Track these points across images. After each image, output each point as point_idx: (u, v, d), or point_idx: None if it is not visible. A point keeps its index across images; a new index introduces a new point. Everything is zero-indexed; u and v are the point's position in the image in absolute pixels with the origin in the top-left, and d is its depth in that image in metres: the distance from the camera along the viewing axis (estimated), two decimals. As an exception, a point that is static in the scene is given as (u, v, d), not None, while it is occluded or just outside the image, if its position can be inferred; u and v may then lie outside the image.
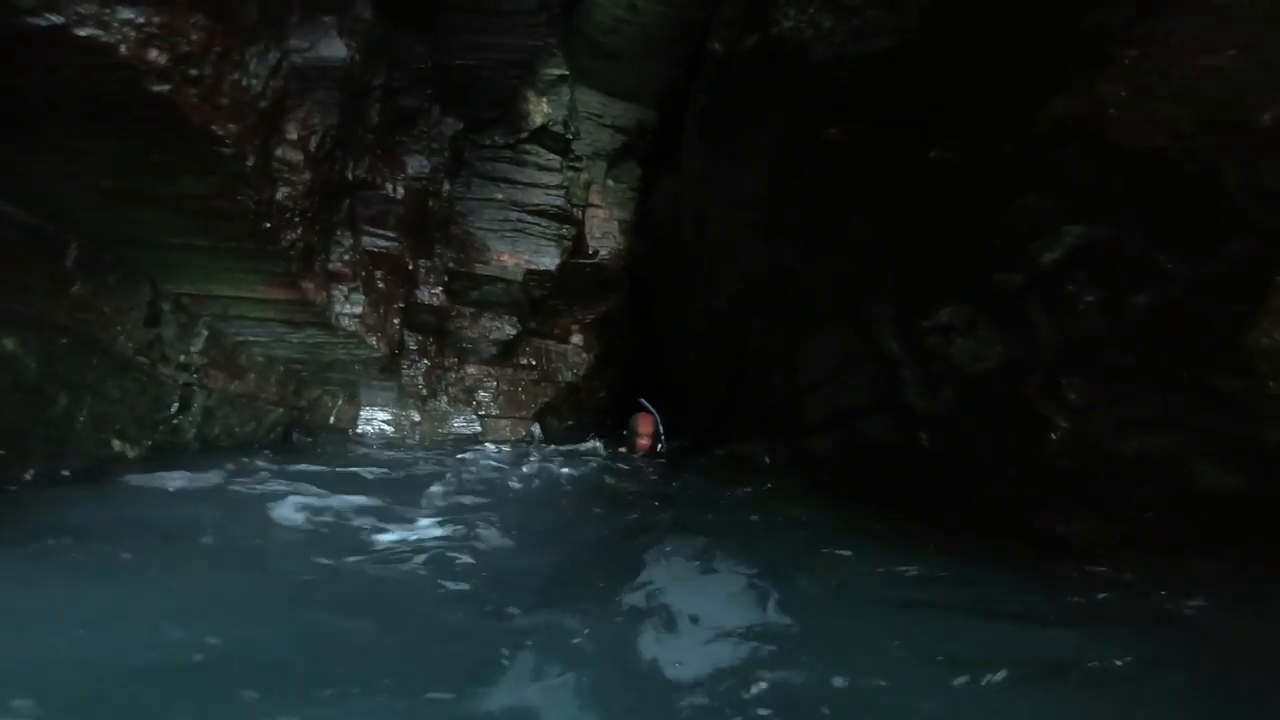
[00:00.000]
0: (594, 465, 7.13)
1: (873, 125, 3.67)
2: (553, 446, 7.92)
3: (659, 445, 7.78)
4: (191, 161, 3.72)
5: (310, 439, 6.58)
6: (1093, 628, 2.53)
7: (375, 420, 7.36)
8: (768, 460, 6.02)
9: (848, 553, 3.39)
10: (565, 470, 6.55)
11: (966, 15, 3.07)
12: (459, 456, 6.60)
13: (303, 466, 5.14)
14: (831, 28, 3.61)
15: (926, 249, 3.48)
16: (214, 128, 3.61)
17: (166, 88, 3.31)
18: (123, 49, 3.08)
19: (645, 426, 7.77)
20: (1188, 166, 2.44)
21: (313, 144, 4.43)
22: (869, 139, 3.70)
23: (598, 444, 8.23)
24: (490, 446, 7.48)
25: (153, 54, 3.19)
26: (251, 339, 5.43)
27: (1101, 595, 2.82)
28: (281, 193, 4.24)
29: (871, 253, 3.87)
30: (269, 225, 4.19)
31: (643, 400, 8.19)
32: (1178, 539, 2.87)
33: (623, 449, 8.02)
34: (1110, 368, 2.80)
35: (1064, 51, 2.71)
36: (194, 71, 3.44)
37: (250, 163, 3.85)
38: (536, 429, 8.28)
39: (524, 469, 6.36)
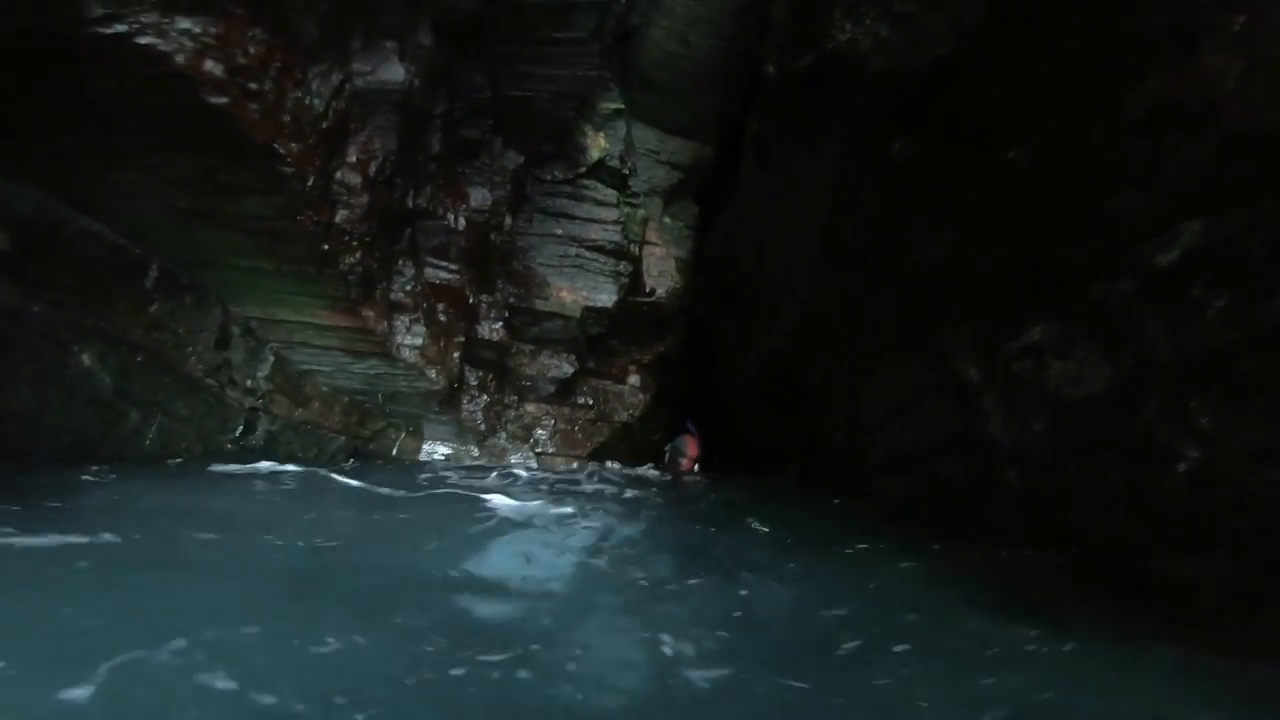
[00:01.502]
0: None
1: (938, 136, 3.53)
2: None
3: (697, 468, 7.64)
4: (256, 180, 3.85)
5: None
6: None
7: (437, 453, 7.38)
8: (835, 502, 5.76)
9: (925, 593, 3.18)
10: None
11: (1031, 7, 2.93)
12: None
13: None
14: (889, 36, 3.52)
15: (1008, 264, 3.24)
16: (276, 145, 3.75)
17: (225, 100, 3.45)
18: (179, 58, 3.22)
19: (690, 448, 7.66)
20: None
21: (372, 168, 4.56)
22: (935, 151, 3.56)
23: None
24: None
25: (208, 64, 3.33)
26: (316, 368, 5.54)
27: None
28: (340, 215, 4.35)
29: (943, 274, 3.66)
30: (327, 247, 4.29)
31: (689, 423, 8.05)
32: None
33: (663, 470, 7.89)
34: (1245, 385, 2.41)
35: (1153, 24, 2.48)
36: (253, 85, 3.58)
37: (310, 183, 3.98)
38: None
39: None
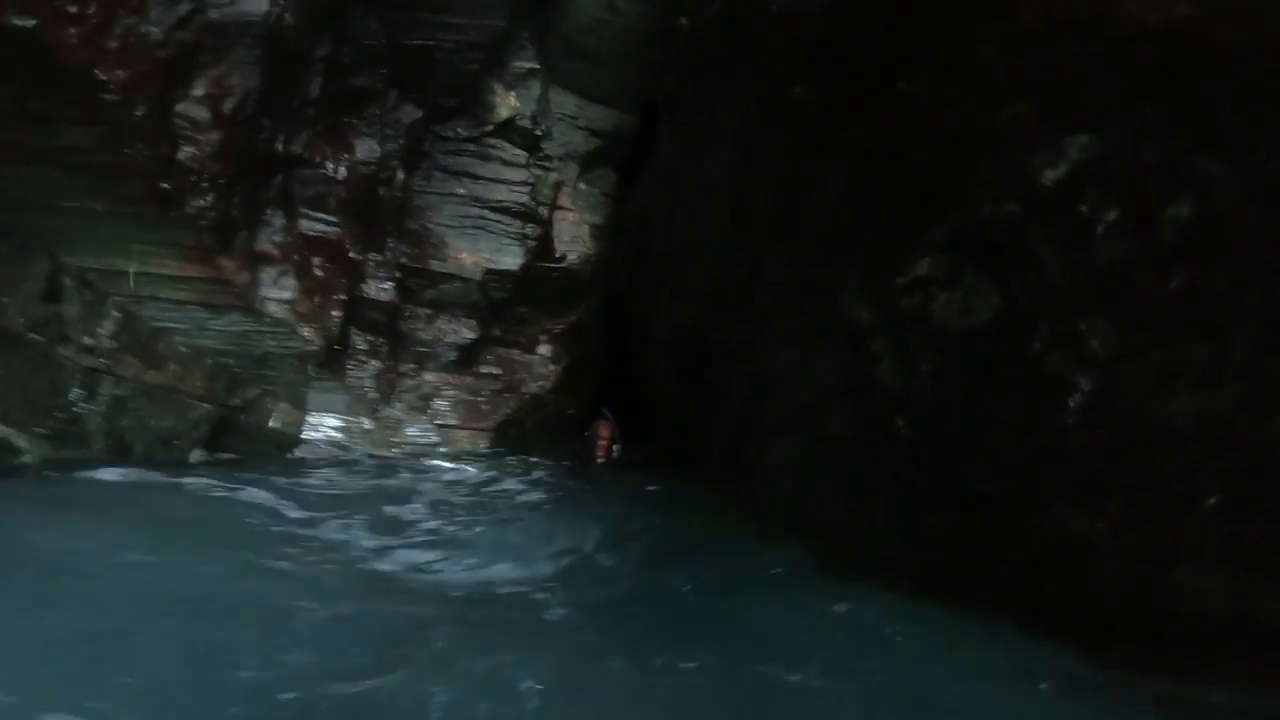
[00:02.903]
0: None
1: (836, 78, 3.31)
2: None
3: (615, 451, 7.48)
4: (73, 109, 3.37)
5: (246, 443, 6.16)
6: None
7: (323, 426, 6.90)
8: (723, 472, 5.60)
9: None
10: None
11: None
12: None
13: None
14: (793, -24, 3.27)
15: (897, 199, 3.02)
16: (96, 71, 3.27)
17: (33, 22, 2.98)
18: None
19: (604, 431, 7.50)
20: (1217, 39, 2.02)
21: (227, 105, 4.09)
22: (833, 94, 3.33)
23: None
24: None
25: None
26: (170, 325, 5.02)
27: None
28: (184, 152, 3.88)
29: (836, 218, 3.46)
30: (168, 186, 3.83)
31: (604, 409, 7.87)
32: (1258, 541, 2.20)
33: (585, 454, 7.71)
34: (1144, 304, 2.23)
35: None
36: (73, 8, 3.12)
37: (139, 112, 3.50)
38: None
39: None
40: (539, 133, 7.42)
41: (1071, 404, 2.41)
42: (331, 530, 4.01)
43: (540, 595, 3.24)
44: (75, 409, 4.63)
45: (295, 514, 4.12)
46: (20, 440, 4.35)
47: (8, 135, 3.48)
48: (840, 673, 2.42)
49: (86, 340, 4.60)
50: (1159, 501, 2.33)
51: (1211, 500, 2.21)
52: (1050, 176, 2.38)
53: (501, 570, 3.67)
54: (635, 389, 8.60)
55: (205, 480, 4.53)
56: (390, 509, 4.61)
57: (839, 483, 3.82)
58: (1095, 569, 2.51)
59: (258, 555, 3.22)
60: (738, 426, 5.18)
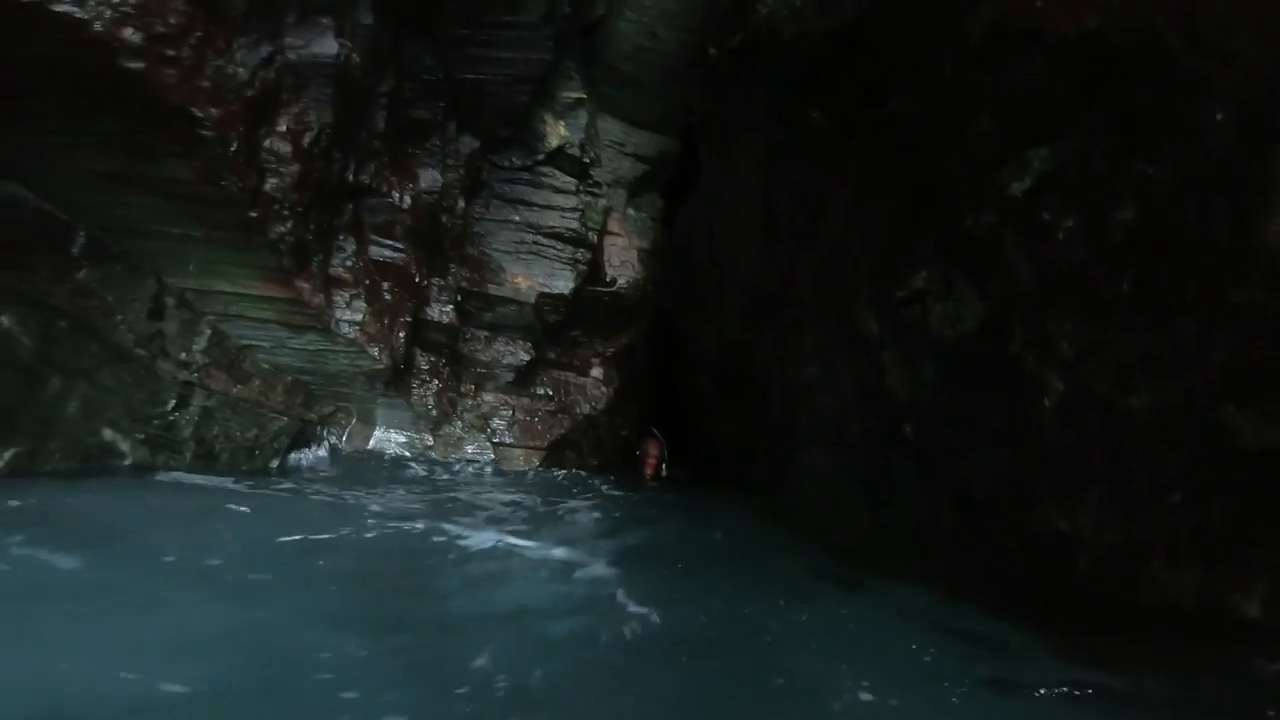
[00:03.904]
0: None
1: (847, 101, 3.55)
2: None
3: (663, 468, 7.73)
4: (174, 143, 3.87)
5: (320, 454, 6.61)
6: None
7: (390, 441, 7.32)
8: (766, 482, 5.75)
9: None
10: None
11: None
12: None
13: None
14: (800, 5, 3.54)
15: (895, 215, 3.25)
16: (193, 109, 3.75)
17: (141, 65, 3.48)
18: (97, 26, 3.28)
19: (653, 449, 7.73)
20: (1126, 43, 2.19)
21: (306, 139, 4.56)
22: (844, 116, 3.58)
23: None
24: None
25: (127, 32, 3.38)
26: (255, 342, 5.51)
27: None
28: (269, 183, 4.35)
29: (847, 234, 3.69)
30: (255, 214, 4.29)
31: (652, 427, 8.13)
32: (1220, 532, 2.25)
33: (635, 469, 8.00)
34: (1101, 301, 2.37)
35: None
36: (171, 52, 3.61)
37: (234, 148, 3.97)
38: None
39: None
40: (587, 160, 7.81)
41: (1047, 403, 2.56)
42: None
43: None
44: (170, 418, 5.12)
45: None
46: (124, 445, 4.85)
47: (119, 165, 3.99)
48: (823, 665, 2.59)
49: (182, 355, 5.10)
50: (1130, 497, 2.45)
51: (1176, 494, 2.32)
52: (1018, 188, 2.56)
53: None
54: (683, 408, 8.82)
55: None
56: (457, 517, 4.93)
57: (860, 488, 3.99)
58: (1078, 566, 2.63)
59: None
60: (774, 438, 5.37)
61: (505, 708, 2.07)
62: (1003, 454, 2.98)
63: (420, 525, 4.19)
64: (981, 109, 2.68)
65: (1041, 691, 2.23)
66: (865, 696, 2.13)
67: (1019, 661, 2.53)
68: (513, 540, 4.06)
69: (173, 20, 3.53)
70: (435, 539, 3.95)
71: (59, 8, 3.17)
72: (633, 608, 3.10)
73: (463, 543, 3.91)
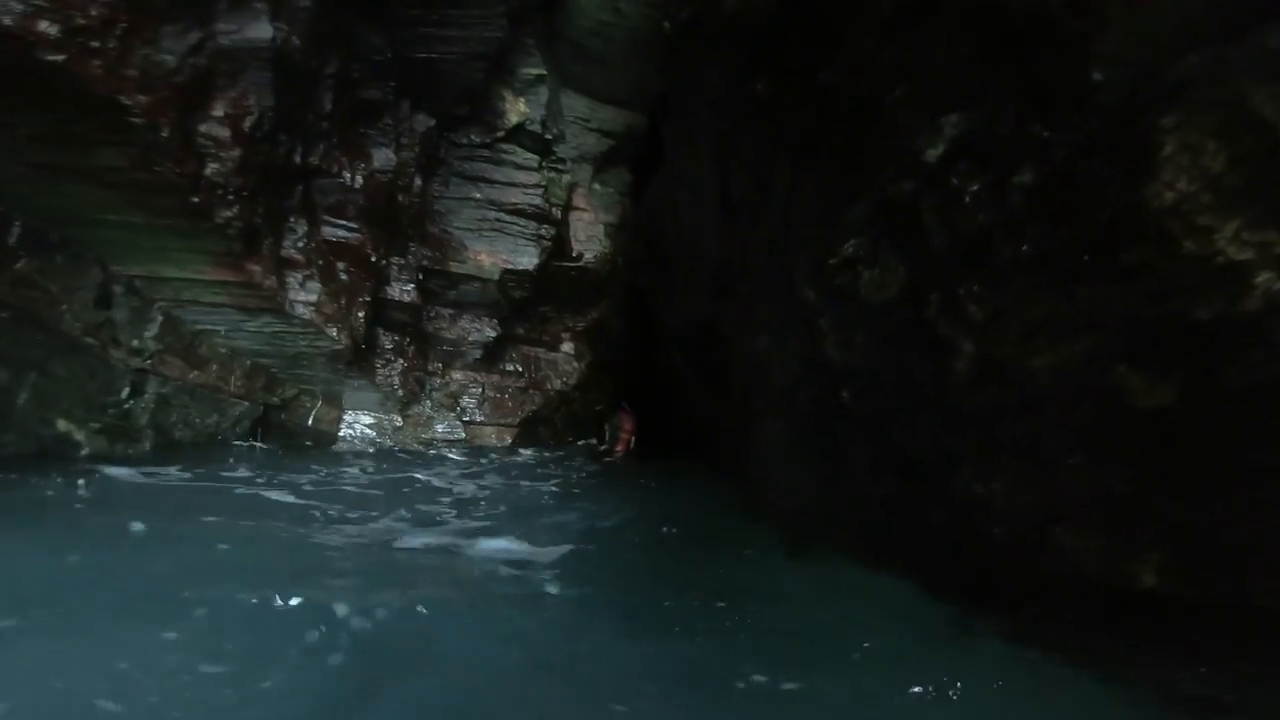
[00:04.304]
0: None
1: (787, 75, 3.53)
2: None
3: (633, 442, 7.82)
4: (106, 132, 3.82)
5: (287, 438, 6.62)
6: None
7: (358, 423, 7.34)
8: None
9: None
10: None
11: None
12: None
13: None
14: (741, -24, 3.51)
15: (828, 185, 3.26)
16: (121, 97, 3.71)
17: (62, 57, 3.44)
18: (5, 20, 3.24)
19: (625, 424, 7.86)
20: (1014, 10, 2.18)
21: (246, 123, 4.52)
22: (786, 90, 3.56)
23: None
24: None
25: (43, 25, 3.34)
26: (209, 327, 5.50)
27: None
28: (209, 168, 4.32)
29: (789, 206, 3.70)
30: (197, 200, 4.26)
31: (623, 403, 8.17)
32: (1118, 498, 2.29)
33: (604, 448, 8.03)
34: (1005, 265, 2.39)
35: None
36: (95, 43, 3.56)
37: (165, 134, 3.93)
38: None
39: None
40: (549, 136, 7.76)
41: (959, 367, 2.59)
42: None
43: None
44: (126, 406, 5.13)
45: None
46: (79, 435, 4.86)
47: (54, 157, 3.95)
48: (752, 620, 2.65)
49: (134, 343, 5.09)
50: (1035, 462, 2.50)
51: (1076, 458, 2.36)
52: (932, 154, 2.57)
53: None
54: (657, 383, 8.85)
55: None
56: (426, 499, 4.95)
57: (810, 457, 4.04)
58: (990, 531, 2.68)
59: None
60: (737, 412, 5.40)
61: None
62: (929, 419, 3.02)
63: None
64: (899, 78, 2.68)
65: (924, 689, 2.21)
66: (758, 679, 2.18)
67: (925, 642, 2.59)
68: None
69: (94, 12, 3.49)
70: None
71: (-34, 6, 3.13)
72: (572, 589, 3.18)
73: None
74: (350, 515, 4.08)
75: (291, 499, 4.34)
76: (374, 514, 4.16)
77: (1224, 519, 2.08)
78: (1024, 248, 2.32)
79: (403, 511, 4.29)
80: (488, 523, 4.28)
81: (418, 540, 3.73)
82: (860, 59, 2.94)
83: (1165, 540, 2.23)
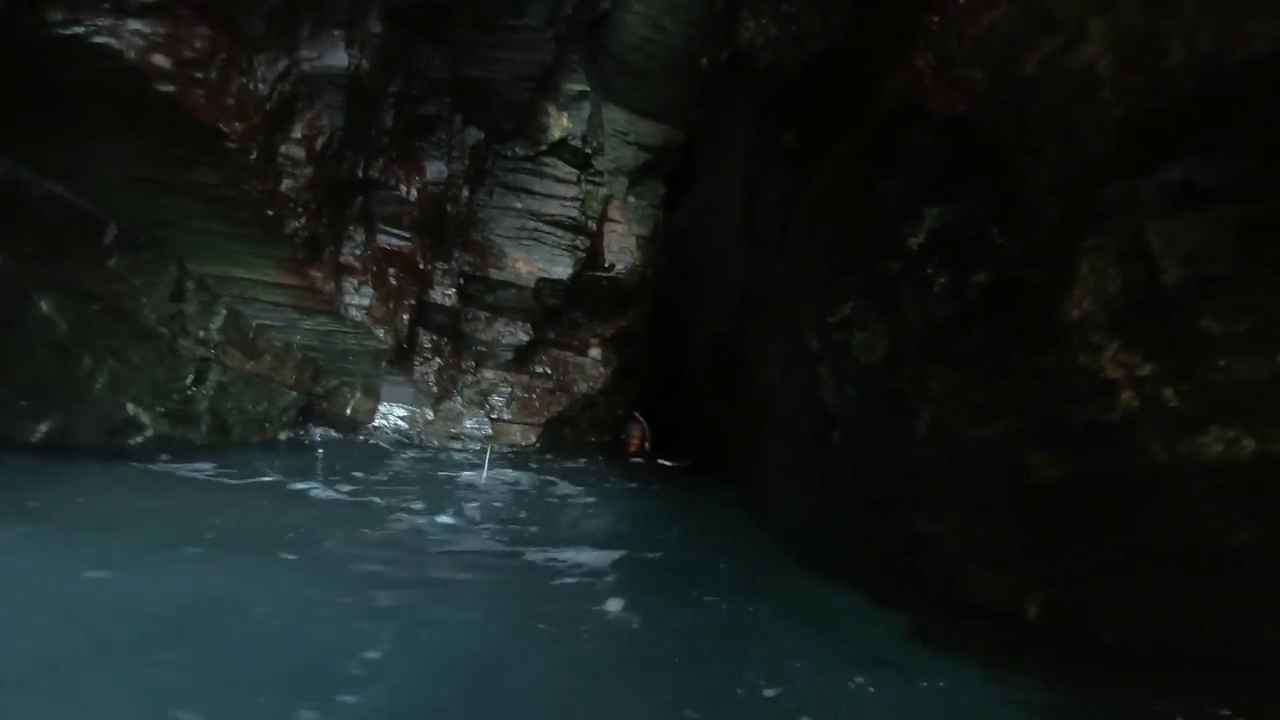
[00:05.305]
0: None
1: (814, 129, 3.85)
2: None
3: (645, 445, 8.24)
4: (204, 154, 4.22)
5: (327, 425, 7.07)
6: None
7: (392, 415, 7.76)
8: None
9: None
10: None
11: (887, 14, 3.22)
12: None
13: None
14: (775, 34, 3.83)
15: (832, 245, 3.61)
16: (220, 125, 4.11)
17: (173, 88, 3.83)
18: (130, 54, 3.63)
19: (635, 431, 8.47)
20: (984, 128, 2.51)
21: (319, 143, 4.91)
22: (810, 146, 3.89)
23: None
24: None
25: (157, 58, 3.73)
26: (268, 323, 5.93)
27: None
28: (285, 185, 4.71)
29: (805, 253, 4.03)
30: (272, 213, 4.66)
31: (635, 412, 8.81)
32: (1019, 545, 2.75)
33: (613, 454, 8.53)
34: (961, 351, 2.79)
35: (901, 21, 2.81)
36: (199, 74, 3.95)
37: (254, 156, 4.33)
38: None
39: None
40: (589, 151, 8.11)
41: (918, 428, 2.97)
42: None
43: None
44: (189, 392, 5.56)
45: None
46: (145, 418, 5.29)
47: (155, 172, 4.35)
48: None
49: (201, 334, 5.52)
50: (967, 510, 2.94)
51: (995, 511, 2.77)
52: (914, 242, 2.93)
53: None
54: (679, 394, 9.20)
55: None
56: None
57: (806, 485, 4.40)
58: (931, 565, 3.06)
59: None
60: (749, 432, 5.75)
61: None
62: (896, 467, 3.43)
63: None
64: (893, 169, 3.03)
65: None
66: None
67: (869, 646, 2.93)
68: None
69: (198, 45, 3.85)
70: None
71: (97, 39, 3.51)
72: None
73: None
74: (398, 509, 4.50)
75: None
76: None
77: (1087, 573, 2.55)
78: (972, 340, 2.68)
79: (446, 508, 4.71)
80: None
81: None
82: (866, 141, 3.29)
83: (1047, 583, 2.62)
